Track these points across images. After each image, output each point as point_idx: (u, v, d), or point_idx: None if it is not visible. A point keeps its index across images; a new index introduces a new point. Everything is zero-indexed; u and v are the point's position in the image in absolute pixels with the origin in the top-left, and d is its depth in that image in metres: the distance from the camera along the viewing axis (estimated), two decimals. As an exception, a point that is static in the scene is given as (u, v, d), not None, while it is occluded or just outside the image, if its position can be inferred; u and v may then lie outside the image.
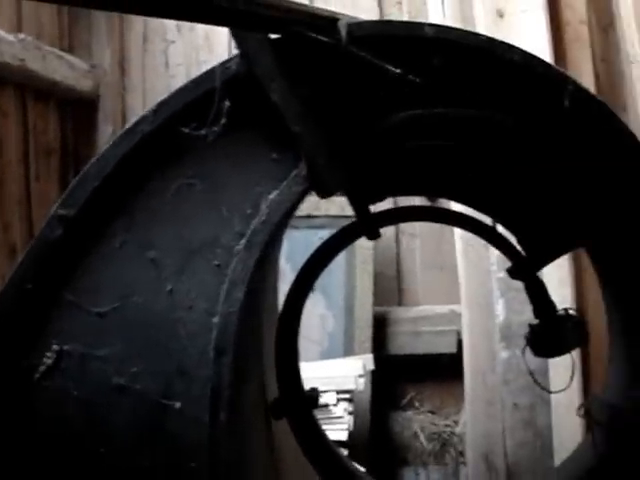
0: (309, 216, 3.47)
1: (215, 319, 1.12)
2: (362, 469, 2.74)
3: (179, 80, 3.77)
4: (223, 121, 1.19)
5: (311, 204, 3.48)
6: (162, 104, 1.20)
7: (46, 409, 1.14)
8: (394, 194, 1.81)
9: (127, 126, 1.19)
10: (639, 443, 1.53)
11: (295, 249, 2.85)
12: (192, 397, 1.10)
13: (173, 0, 0.88)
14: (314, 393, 1.70)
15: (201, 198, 1.19)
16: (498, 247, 1.70)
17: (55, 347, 1.14)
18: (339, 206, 3.31)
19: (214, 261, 1.16)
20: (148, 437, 1.12)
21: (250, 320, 1.31)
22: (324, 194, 1.28)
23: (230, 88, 1.20)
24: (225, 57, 1.25)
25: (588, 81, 3.05)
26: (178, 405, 1.11)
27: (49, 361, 1.14)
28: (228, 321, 1.11)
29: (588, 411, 1.79)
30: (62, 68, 3.41)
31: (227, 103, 1.19)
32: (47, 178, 3.44)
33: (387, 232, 3.82)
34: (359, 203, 1.60)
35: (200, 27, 3.75)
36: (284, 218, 1.21)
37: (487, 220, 1.75)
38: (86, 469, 1.14)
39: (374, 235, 1.69)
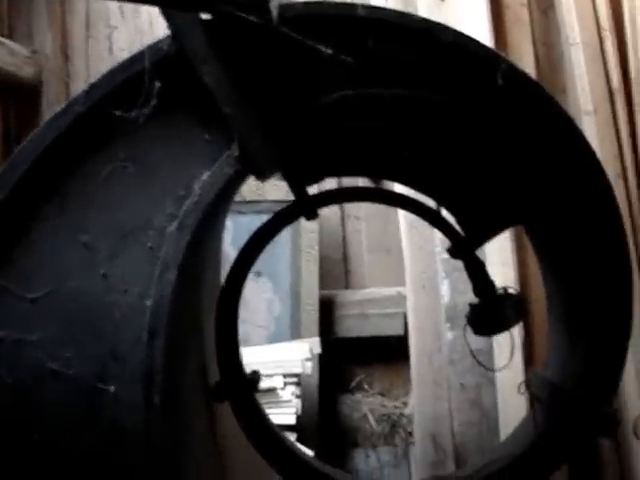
0: (254, 201, 3.46)
1: (148, 302, 1.12)
2: (308, 451, 2.75)
3: (122, 66, 3.73)
4: (154, 102, 1.18)
5: (256, 189, 3.47)
6: (93, 86, 1.19)
7: (-22, 397, 1.13)
8: (333, 175, 1.82)
9: (58, 108, 1.18)
10: (577, 419, 1.57)
11: (241, 234, 2.83)
12: (126, 381, 1.10)
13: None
14: (255, 376, 1.70)
15: (133, 181, 1.19)
16: (437, 227, 1.71)
17: (-14, 334, 1.14)
18: (284, 191, 3.30)
19: (147, 244, 1.16)
20: (84, 422, 1.11)
21: (187, 303, 1.31)
22: (258, 175, 1.29)
23: (161, 69, 1.20)
24: (169, 42, 1.24)
25: (528, 63, 3.09)
26: (113, 389, 1.11)
27: (-20, 348, 1.13)
28: (160, 304, 1.11)
29: (529, 388, 1.81)
30: (1, 54, 3.34)
31: (157, 84, 1.19)
32: (-12, 163, 3.35)
33: (332, 216, 3.83)
34: (296, 184, 1.60)
35: (144, 12, 3.72)
36: (218, 200, 1.21)
37: (428, 201, 1.77)
38: (21, 456, 1.13)
39: (312, 215, 1.69)
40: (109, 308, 1.13)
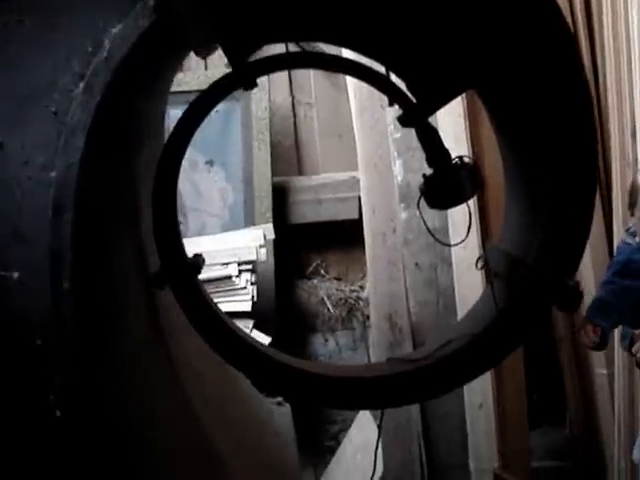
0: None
1: (53, 173, 0.93)
2: (263, 338, 2.65)
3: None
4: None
5: (210, 79, 3.29)
6: None
7: None
8: (272, 40, 1.61)
9: None
10: (538, 293, 1.45)
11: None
12: (32, 265, 0.93)
13: None
14: (197, 259, 1.53)
15: (33, 36, 0.99)
16: (387, 93, 1.53)
17: None
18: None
19: (51, 108, 0.97)
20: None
21: (111, 177, 1.13)
22: (184, 35, 1.09)
23: None
24: None
25: None
26: (17, 275, 0.93)
27: None
28: (67, 174, 0.93)
29: (486, 262, 1.68)
30: None
31: None
32: None
33: (283, 102, 3.67)
34: (233, 51, 1.40)
35: None
36: (134, 58, 1.01)
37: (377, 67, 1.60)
38: None
39: (250, 85, 1.49)
40: (8, 184, 0.95)
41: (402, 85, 1.55)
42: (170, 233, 1.46)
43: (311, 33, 1.57)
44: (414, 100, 1.50)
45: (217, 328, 1.50)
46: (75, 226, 0.92)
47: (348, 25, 1.46)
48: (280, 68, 1.65)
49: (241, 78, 1.45)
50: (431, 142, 1.50)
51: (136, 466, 1.09)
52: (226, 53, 1.40)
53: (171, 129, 1.36)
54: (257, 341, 1.60)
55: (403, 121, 1.56)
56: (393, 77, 1.58)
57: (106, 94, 0.96)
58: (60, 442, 0.93)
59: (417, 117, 1.49)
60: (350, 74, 1.59)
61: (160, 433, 1.25)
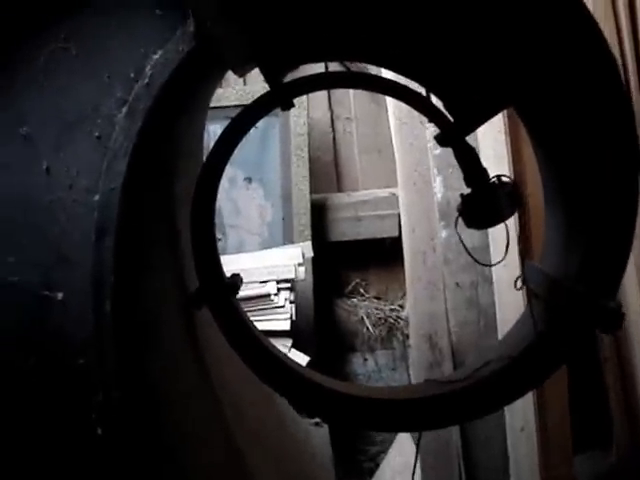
0: (230, 106, 3.32)
1: (96, 197, 0.98)
2: (301, 357, 2.69)
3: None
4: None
5: (246, 94, 3.36)
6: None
7: None
8: (312, 60, 1.65)
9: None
10: (578, 314, 1.47)
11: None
12: (75, 286, 0.98)
13: None
14: (235, 279, 1.58)
15: (78, 63, 1.05)
16: (425, 113, 1.57)
17: None
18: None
19: (94, 133, 1.02)
20: (30, 333, 0.99)
21: (152, 200, 1.18)
22: (223, 58, 1.14)
23: None
24: None
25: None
26: (60, 296, 0.98)
27: None
28: (110, 198, 0.98)
29: (526, 283, 1.70)
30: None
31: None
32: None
33: (322, 117, 3.71)
34: (270, 71, 1.45)
35: None
36: (175, 83, 1.06)
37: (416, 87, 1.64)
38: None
39: (287, 105, 1.54)
40: (54, 207, 1.00)
41: (439, 104, 1.59)
42: (208, 253, 1.51)
43: (350, 54, 1.62)
44: (452, 119, 1.54)
45: (254, 348, 1.55)
46: (117, 249, 0.97)
47: (386, 46, 1.50)
48: (318, 88, 1.69)
49: (278, 98, 1.51)
50: (469, 161, 1.53)
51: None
52: (264, 74, 1.45)
53: (210, 145, 1.41)
54: (293, 361, 1.64)
55: (441, 140, 1.59)
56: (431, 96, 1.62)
57: (147, 119, 1.01)
58: (100, 459, 0.97)
59: (455, 136, 1.52)
60: (388, 94, 1.63)
61: (195, 449, 1.29)
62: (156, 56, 1.04)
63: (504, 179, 1.53)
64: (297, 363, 1.66)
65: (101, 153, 1.00)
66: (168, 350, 1.27)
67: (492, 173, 1.56)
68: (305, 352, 2.94)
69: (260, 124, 3.27)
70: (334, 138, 3.76)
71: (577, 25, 1.27)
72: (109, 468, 0.97)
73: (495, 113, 1.49)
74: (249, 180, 3.47)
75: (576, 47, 1.29)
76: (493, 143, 2.61)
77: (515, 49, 1.31)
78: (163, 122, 1.13)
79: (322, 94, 3.69)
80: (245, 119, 1.51)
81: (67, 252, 0.99)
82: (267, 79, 1.47)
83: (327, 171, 3.74)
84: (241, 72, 1.22)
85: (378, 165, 3.68)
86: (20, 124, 1.02)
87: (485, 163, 1.57)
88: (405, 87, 1.54)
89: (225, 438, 1.48)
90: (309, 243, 3.32)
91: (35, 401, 0.99)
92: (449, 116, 1.55)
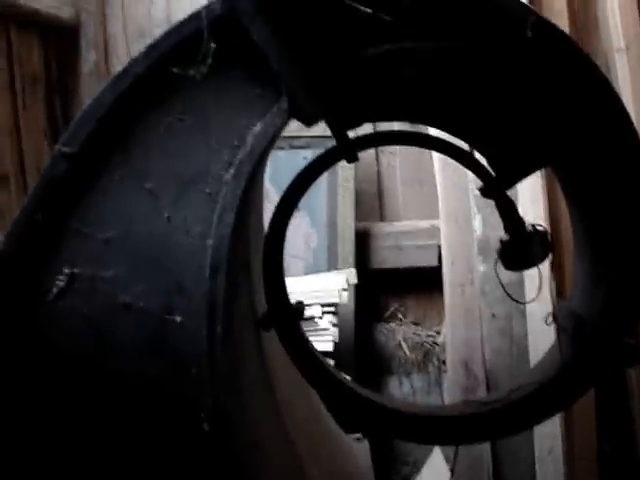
0: (292, 137, 3.56)
1: (209, 241, 1.25)
2: (348, 377, 2.91)
3: (159, 6, 3.86)
4: (209, 60, 1.30)
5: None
6: (152, 47, 1.30)
7: (60, 327, 1.28)
8: (372, 120, 1.92)
9: (120, 69, 1.30)
10: (601, 350, 1.68)
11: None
12: (191, 312, 1.24)
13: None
14: (300, 306, 1.84)
15: (192, 132, 1.31)
16: (470, 168, 1.81)
17: (66, 271, 1.28)
18: (321, 127, 3.39)
19: (206, 189, 1.28)
20: (153, 349, 1.26)
21: (239, 240, 1.45)
22: (306, 124, 1.41)
23: (215, 29, 1.30)
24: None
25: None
26: (179, 319, 1.25)
27: (61, 283, 1.27)
28: (221, 242, 1.24)
29: (555, 319, 1.92)
30: (43, -5, 3.45)
31: (212, 43, 1.30)
32: (34, 106, 3.52)
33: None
34: (338, 129, 1.71)
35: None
36: (268, 147, 1.33)
37: (457, 142, 1.87)
38: (97, 379, 1.28)
39: (352, 158, 1.81)
40: (174, 247, 1.27)
41: (483, 160, 1.83)
42: (277, 282, 1.78)
43: (407, 115, 1.88)
44: (494, 174, 1.78)
45: (315, 368, 1.81)
46: (226, 283, 1.24)
47: (440, 110, 1.74)
48: (380, 144, 1.96)
49: (344, 152, 1.77)
50: (508, 212, 1.76)
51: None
52: (332, 131, 1.71)
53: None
54: (352, 382, 1.89)
55: (484, 192, 1.83)
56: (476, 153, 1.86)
57: (248, 180, 1.28)
58: (206, 451, 1.25)
59: (497, 190, 1.76)
60: (438, 150, 1.87)
61: (264, 459, 1.55)
62: (256, 128, 1.30)
63: (539, 227, 1.77)
64: (355, 383, 1.91)
65: (211, 207, 1.27)
66: (250, 370, 1.54)
67: (529, 212, 1.78)
68: (345, 372, 3.15)
69: (309, 156, 3.51)
70: (378, 171, 3.99)
71: (604, 102, 1.49)
72: (212, 459, 1.24)
73: (533, 171, 1.70)
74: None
75: (601, 119, 1.49)
76: (530, 184, 2.83)
77: (552, 118, 1.52)
78: (255, 180, 1.40)
79: (368, 129, 3.90)
80: (314, 169, 1.79)
81: (185, 283, 1.26)
82: (335, 135, 1.73)
83: (371, 202, 3.97)
84: (310, 125, 1.48)
85: (419, 197, 3.89)
86: (146, 180, 1.29)
87: (522, 203, 1.79)
88: (455, 145, 1.79)
89: (289, 450, 1.73)
90: (354, 270, 3.55)
91: (155, 402, 1.26)
92: (491, 171, 1.79)
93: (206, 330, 1.22)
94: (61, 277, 1.28)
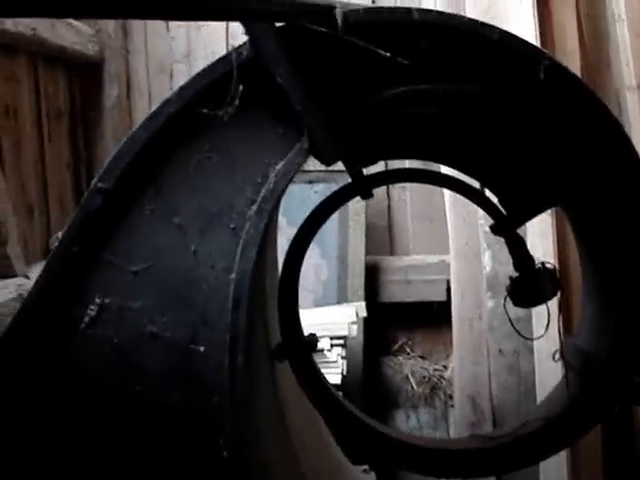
0: (304, 171, 3.64)
1: (232, 275, 1.32)
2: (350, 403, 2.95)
3: (180, 42, 3.97)
4: (237, 102, 1.37)
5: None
6: (183, 88, 1.38)
7: (90, 354, 1.35)
8: (386, 158, 1.99)
9: (153, 109, 1.38)
10: (608, 388, 1.73)
11: (291, 203, 3.04)
12: (214, 342, 1.31)
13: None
14: (313, 338, 1.91)
15: (218, 169, 1.38)
16: (481, 206, 1.89)
17: (97, 300, 1.35)
18: (333, 161, 3.48)
19: (230, 225, 1.35)
20: (178, 377, 1.33)
21: (258, 273, 1.52)
22: (326, 163, 1.49)
23: (242, 71, 1.38)
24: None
25: (572, 36, 3.18)
26: (203, 349, 1.32)
27: (92, 313, 1.35)
28: (243, 277, 1.31)
29: (563, 355, 1.97)
30: (69, 34, 3.55)
31: (240, 85, 1.37)
32: (59, 139, 3.64)
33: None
34: (353, 167, 1.79)
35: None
36: (287, 184, 1.41)
37: (468, 180, 1.94)
38: (124, 405, 1.35)
39: (367, 195, 1.89)
40: (199, 280, 1.34)
41: (494, 198, 1.90)
42: (292, 315, 1.85)
43: (420, 154, 1.96)
44: (505, 213, 1.85)
45: (327, 399, 1.88)
46: (247, 316, 1.31)
47: (453, 149, 1.82)
48: (394, 181, 2.04)
49: (359, 189, 1.85)
50: (518, 249, 1.83)
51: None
52: (348, 170, 1.79)
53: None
54: (362, 414, 1.95)
55: (494, 230, 1.90)
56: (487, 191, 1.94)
57: (270, 216, 1.35)
58: (224, 477, 1.31)
59: (507, 228, 1.83)
60: (450, 188, 1.95)
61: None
62: (278, 166, 1.37)
63: (548, 265, 1.83)
64: (364, 414, 1.97)
65: (235, 241, 1.34)
66: (263, 395, 1.61)
67: (538, 248, 1.83)
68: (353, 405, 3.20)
69: (320, 190, 3.60)
70: (389, 205, 4.09)
71: (615, 144, 1.56)
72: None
73: (543, 211, 1.78)
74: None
75: (611, 161, 1.56)
76: (539, 220, 2.89)
77: (563, 158, 1.59)
78: (274, 217, 1.48)
79: (380, 165, 3.99)
80: (329, 206, 1.86)
81: (208, 315, 1.33)
82: (350, 172, 1.81)
83: (381, 236, 4.05)
84: (329, 165, 1.55)
85: (429, 232, 3.96)
86: (174, 215, 1.36)
87: (531, 239, 1.84)
88: (466, 183, 1.87)
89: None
90: (363, 303, 3.62)
91: (178, 427, 1.32)
92: (502, 209, 1.86)
93: (228, 360, 1.29)
94: (92, 307, 1.35)
